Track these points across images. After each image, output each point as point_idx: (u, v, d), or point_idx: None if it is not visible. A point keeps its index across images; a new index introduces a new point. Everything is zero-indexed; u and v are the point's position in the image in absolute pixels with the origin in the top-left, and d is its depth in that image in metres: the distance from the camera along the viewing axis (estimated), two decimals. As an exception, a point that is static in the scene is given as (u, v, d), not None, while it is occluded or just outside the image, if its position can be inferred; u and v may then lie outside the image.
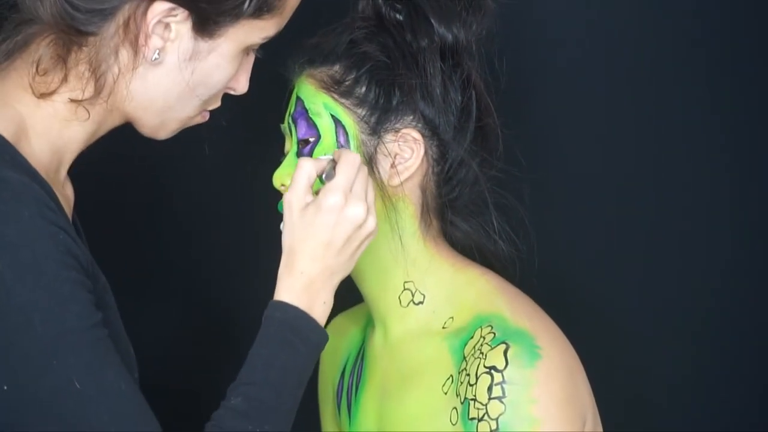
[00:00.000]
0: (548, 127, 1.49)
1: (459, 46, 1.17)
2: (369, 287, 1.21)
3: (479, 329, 1.11)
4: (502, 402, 1.05)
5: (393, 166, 1.15)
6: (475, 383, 1.07)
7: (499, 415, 1.05)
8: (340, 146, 1.16)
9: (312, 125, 1.17)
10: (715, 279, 1.56)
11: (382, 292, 1.20)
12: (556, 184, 1.52)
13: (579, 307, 1.33)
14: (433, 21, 1.15)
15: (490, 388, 1.06)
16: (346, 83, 1.16)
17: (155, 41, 0.98)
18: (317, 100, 1.17)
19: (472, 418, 1.07)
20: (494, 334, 1.09)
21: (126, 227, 1.64)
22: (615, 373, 1.40)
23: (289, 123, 1.19)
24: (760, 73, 1.55)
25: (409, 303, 1.19)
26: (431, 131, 1.16)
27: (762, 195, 1.56)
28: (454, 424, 1.10)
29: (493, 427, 1.05)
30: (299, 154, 1.17)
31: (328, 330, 1.36)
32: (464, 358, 1.11)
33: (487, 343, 1.08)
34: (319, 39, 1.20)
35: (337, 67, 1.17)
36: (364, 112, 1.16)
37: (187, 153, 1.59)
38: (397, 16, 1.17)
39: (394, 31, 1.17)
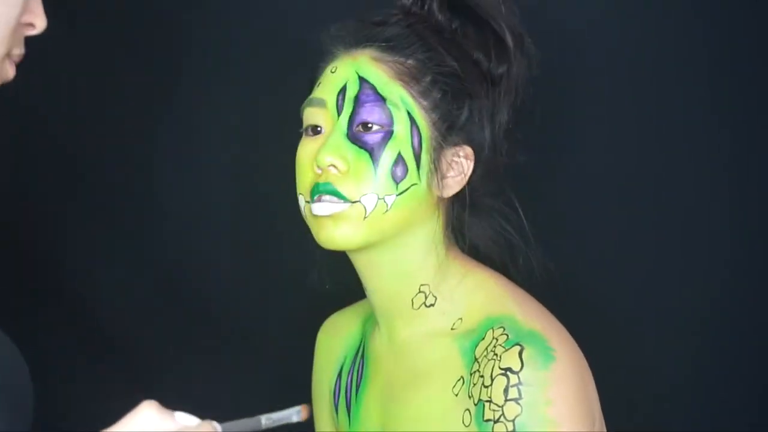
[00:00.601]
0: (549, 127, 1.47)
1: (520, 76, 1.17)
2: (383, 288, 1.19)
3: (491, 330, 1.11)
4: (518, 403, 1.05)
5: (445, 177, 1.15)
6: (491, 385, 1.07)
7: (516, 416, 1.05)
8: (413, 147, 1.13)
9: (389, 115, 1.13)
10: (718, 280, 1.54)
11: (396, 294, 1.19)
12: (560, 186, 1.51)
13: (581, 309, 1.32)
14: (513, 51, 1.16)
15: (506, 390, 1.06)
16: (424, 83, 1.14)
17: None
18: (393, 90, 1.13)
19: (488, 420, 1.07)
20: (507, 335, 1.09)
21: (124, 228, 1.64)
22: (617, 373, 1.39)
23: (338, 100, 1.14)
24: (759, 72, 1.55)
25: (420, 305, 1.18)
26: (479, 151, 1.16)
27: (765, 195, 1.56)
28: (467, 426, 1.10)
29: (510, 428, 1.05)
30: (353, 137, 1.12)
31: (324, 329, 1.37)
32: (476, 359, 1.11)
33: (500, 345, 1.09)
34: (381, 18, 1.18)
35: (411, 62, 1.14)
36: (436, 118, 1.14)
37: (187, 155, 1.60)
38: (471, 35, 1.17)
39: (475, 51, 1.17)
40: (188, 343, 1.67)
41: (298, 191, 1.17)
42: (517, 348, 1.07)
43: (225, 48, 1.61)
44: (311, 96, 1.17)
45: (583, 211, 1.56)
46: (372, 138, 1.12)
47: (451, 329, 1.16)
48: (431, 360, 1.16)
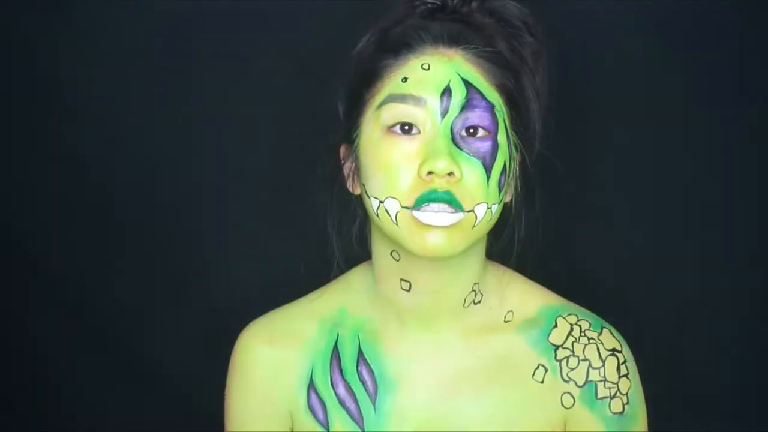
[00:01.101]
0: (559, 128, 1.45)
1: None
2: (440, 290, 1.17)
3: (561, 318, 1.21)
4: (628, 378, 1.20)
5: (516, 183, 1.16)
6: (602, 366, 1.19)
7: (628, 389, 1.20)
8: (510, 155, 1.11)
9: (495, 122, 1.10)
10: (747, 283, 1.55)
11: (453, 294, 1.18)
12: (571, 185, 1.48)
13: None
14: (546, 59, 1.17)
15: (618, 368, 1.19)
16: (509, 91, 1.12)
17: None
18: (494, 97, 1.11)
19: (603, 398, 1.19)
20: (588, 321, 1.22)
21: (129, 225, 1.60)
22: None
23: (441, 100, 1.08)
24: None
25: (470, 303, 1.20)
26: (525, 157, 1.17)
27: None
28: (568, 408, 1.19)
29: (625, 401, 1.19)
30: (460, 143, 1.08)
31: (261, 338, 1.26)
32: (559, 346, 1.20)
33: (589, 329, 1.21)
34: (460, 15, 1.15)
35: (495, 67, 1.12)
36: (517, 127, 1.14)
37: (188, 154, 1.58)
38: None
39: (530, 62, 1.16)
40: (192, 343, 1.61)
41: (384, 194, 1.09)
42: (607, 330, 1.22)
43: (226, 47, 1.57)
44: (401, 92, 1.10)
45: (595, 212, 1.55)
46: (482, 146, 1.09)
47: (505, 322, 1.22)
48: (495, 354, 1.20)
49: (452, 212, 1.07)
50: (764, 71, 1.49)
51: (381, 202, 1.10)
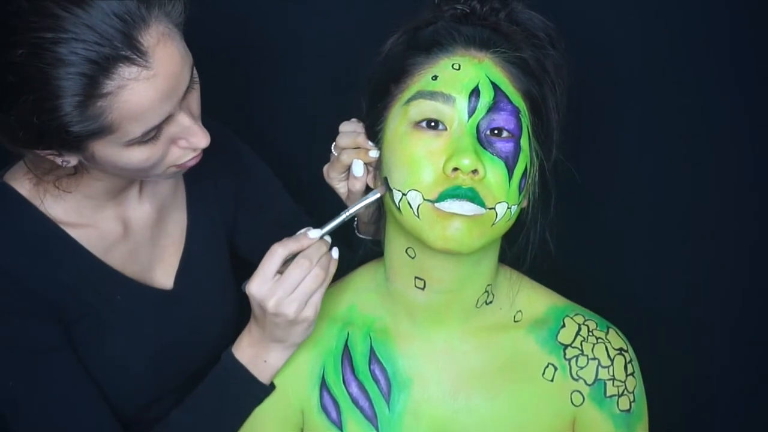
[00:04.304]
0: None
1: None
2: (456, 290, 1.18)
3: (568, 319, 1.24)
4: (634, 377, 1.23)
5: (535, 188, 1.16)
6: (611, 364, 1.22)
7: (634, 387, 1.23)
8: (531, 159, 1.13)
9: (520, 126, 1.11)
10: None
11: (468, 294, 1.20)
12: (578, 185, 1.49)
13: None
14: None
15: (625, 367, 1.22)
16: (534, 98, 1.13)
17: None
18: (520, 102, 1.12)
19: (611, 396, 1.22)
20: (594, 321, 1.24)
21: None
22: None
23: (470, 100, 1.10)
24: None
25: (482, 304, 1.21)
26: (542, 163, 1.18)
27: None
28: (578, 405, 1.22)
29: (631, 399, 1.22)
30: (485, 142, 1.10)
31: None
32: (567, 345, 1.22)
33: (597, 329, 1.24)
34: (488, 20, 1.15)
35: (521, 73, 1.13)
36: (539, 133, 1.14)
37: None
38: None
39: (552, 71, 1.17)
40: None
41: (407, 186, 1.10)
42: (613, 330, 1.25)
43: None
44: (431, 89, 1.11)
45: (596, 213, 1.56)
46: (505, 147, 1.11)
47: (515, 322, 1.23)
48: (506, 354, 1.22)
49: (475, 207, 1.08)
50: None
51: (404, 194, 1.11)
